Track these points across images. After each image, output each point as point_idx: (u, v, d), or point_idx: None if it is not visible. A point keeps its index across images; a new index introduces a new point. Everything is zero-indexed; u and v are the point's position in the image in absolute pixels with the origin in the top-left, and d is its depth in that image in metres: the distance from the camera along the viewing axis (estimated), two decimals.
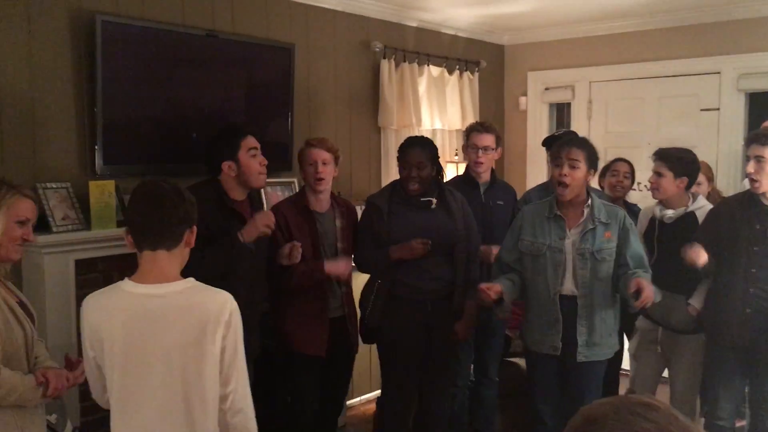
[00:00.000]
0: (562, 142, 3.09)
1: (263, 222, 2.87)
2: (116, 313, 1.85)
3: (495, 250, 3.40)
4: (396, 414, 3.43)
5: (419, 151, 3.28)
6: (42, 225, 2.97)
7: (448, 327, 3.33)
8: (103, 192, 3.12)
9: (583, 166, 2.97)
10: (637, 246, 3.05)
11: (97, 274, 3.16)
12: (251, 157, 2.93)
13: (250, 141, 2.96)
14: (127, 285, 1.89)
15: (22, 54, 3.01)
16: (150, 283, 1.87)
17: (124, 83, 3.27)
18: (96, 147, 3.19)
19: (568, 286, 2.99)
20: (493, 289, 2.94)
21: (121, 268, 3.16)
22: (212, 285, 1.94)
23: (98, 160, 3.20)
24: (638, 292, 2.78)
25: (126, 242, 1.94)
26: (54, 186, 3.05)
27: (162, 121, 3.45)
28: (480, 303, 3.09)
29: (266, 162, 2.99)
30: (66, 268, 3.02)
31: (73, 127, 3.19)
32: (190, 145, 3.49)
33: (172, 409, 1.85)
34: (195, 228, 1.94)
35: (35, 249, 2.92)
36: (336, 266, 3.17)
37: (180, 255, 1.92)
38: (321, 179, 3.21)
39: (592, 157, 3.02)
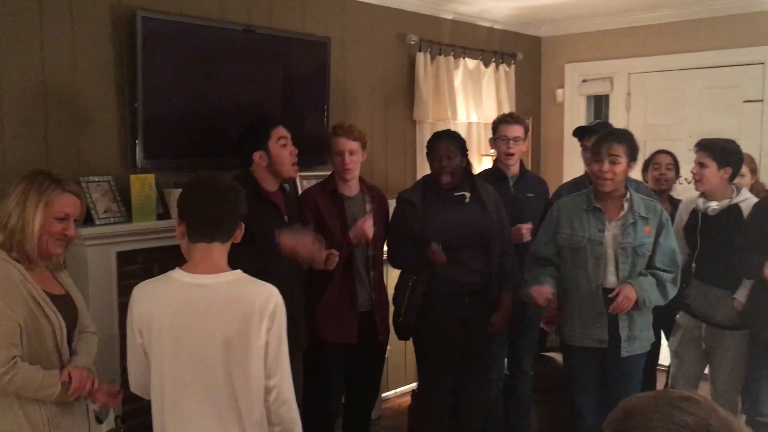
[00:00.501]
0: (602, 136, 3.04)
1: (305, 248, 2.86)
2: (167, 302, 1.89)
3: (525, 228, 3.40)
4: (433, 409, 3.43)
5: (447, 142, 3.29)
6: (85, 218, 3.03)
7: (484, 320, 3.32)
8: (143, 185, 3.18)
9: (623, 161, 2.94)
10: (670, 242, 3.02)
11: (137, 265, 3.22)
12: (281, 146, 2.96)
13: (280, 131, 2.98)
14: (177, 274, 1.93)
15: (65, 51, 3.07)
16: (200, 273, 1.91)
17: (163, 78, 3.32)
18: (137, 141, 3.24)
19: (611, 279, 2.97)
20: (544, 295, 2.95)
21: (161, 259, 3.22)
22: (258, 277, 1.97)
23: (139, 154, 3.26)
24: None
25: (177, 233, 1.97)
26: (96, 179, 3.12)
27: (200, 116, 3.49)
28: (528, 302, 3.09)
29: (296, 151, 3.01)
30: (108, 260, 3.08)
31: (114, 122, 3.25)
32: (227, 139, 3.53)
33: (217, 399, 1.88)
34: (243, 224, 1.99)
35: (79, 242, 2.98)
36: (354, 230, 3.13)
37: (228, 247, 1.97)
38: (348, 169, 3.23)
39: (632, 149, 2.98)
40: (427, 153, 3.37)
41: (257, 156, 2.94)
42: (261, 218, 2.73)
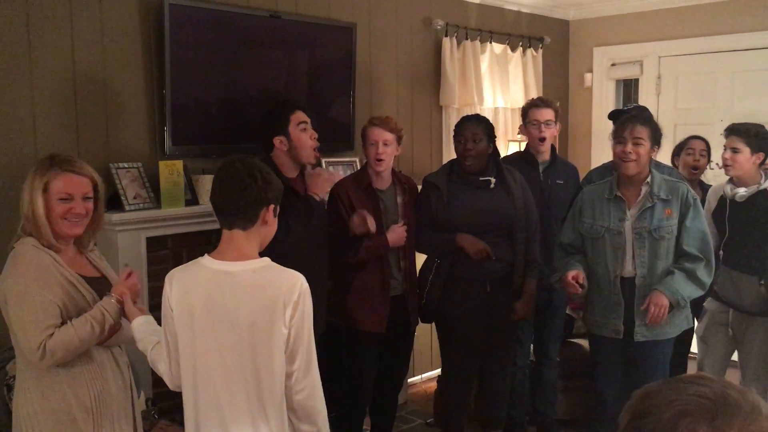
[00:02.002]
0: (625, 119, 3.02)
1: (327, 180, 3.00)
2: (196, 287, 1.93)
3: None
4: (456, 394, 3.44)
5: (475, 125, 3.29)
6: (115, 203, 3.08)
7: (507, 306, 3.32)
8: (172, 172, 3.21)
9: (646, 143, 2.91)
10: (699, 223, 2.94)
11: (167, 251, 3.26)
12: (301, 131, 2.98)
13: (300, 115, 3.00)
14: (206, 260, 1.96)
15: (95, 38, 3.11)
16: (227, 260, 1.93)
17: (191, 65, 3.34)
18: (165, 128, 3.28)
19: (629, 269, 2.94)
20: (578, 279, 2.92)
21: (190, 245, 3.26)
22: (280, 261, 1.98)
23: (167, 141, 3.29)
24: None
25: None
26: (126, 166, 3.16)
27: (227, 102, 3.52)
28: (570, 296, 3.07)
29: (316, 135, 3.02)
30: (138, 245, 3.13)
31: (143, 109, 3.29)
32: (254, 125, 3.55)
33: (242, 384, 1.91)
34: (272, 206, 1.98)
35: (109, 227, 3.03)
36: (392, 234, 3.19)
37: (258, 234, 1.97)
38: (381, 160, 3.22)
39: (656, 133, 2.95)
40: (454, 136, 3.36)
41: (278, 141, 2.97)
42: (284, 206, 2.74)
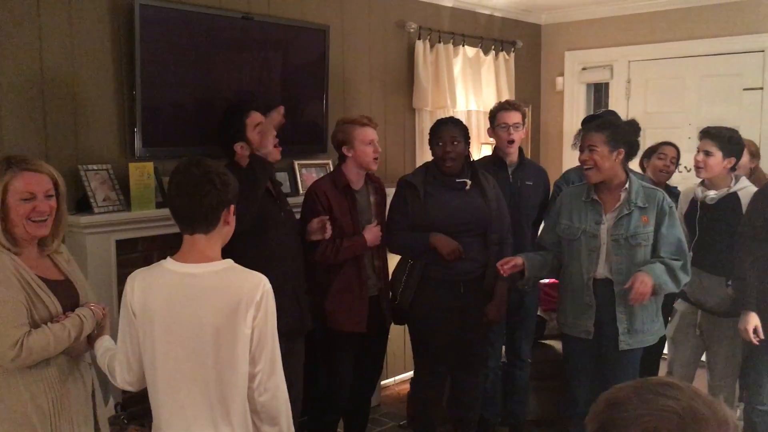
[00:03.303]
0: (583, 128, 3.11)
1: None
2: (158, 290, 1.92)
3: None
4: (428, 395, 3.45)
5: (452, 127, 3.33)
6: (84, 206, 3.04)
7: (480, 308, 3.34)
8: (142, 174, 3.17)
9: (602, 149, 2.93)
10: (674, 230, 2.98)
11: (137, 254, 3.23)
12: (259, 132, 2.96)
13: (256, 117, 2.98)
14: (168, 263, 1.95)
15: (63, 38, 3.06)
16: (189, 263, 1.92)
17: (162, 66, 3.31)
18: (135, 129, 3.24)
19: (602, 271, 2.97)
20: (508, 264, 3.01)
21: (161, 248, 3.23)
22: (247, 261, 1.98)
23: (137, 143, 3.25)
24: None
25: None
26: (95, 168, 3.12)
27: (199, 104, 3.49)
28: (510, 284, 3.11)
29: (275, 133, 3.00)
30: (107, 248, 3.09)
31: (113, 109, 3.24)
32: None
33: (206, 386, 1.90)
34: (233, 206, 1.98)
35: (77, 230, 2.99)
36: (369, 233, 3.23)
37: (219, 234, 1.97)
38: (377, 159, 3.29)
39: (615, 136, 2.95)
40: (430, 138, 3.38)
41: (238, 147, 2.96)
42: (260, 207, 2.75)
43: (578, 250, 3.00)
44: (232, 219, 2.00)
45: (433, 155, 3.37)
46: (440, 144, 3.28)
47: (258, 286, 1.90)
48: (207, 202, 1.90)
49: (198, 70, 3.46)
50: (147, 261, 3.16)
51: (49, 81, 3.03)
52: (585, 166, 2.97)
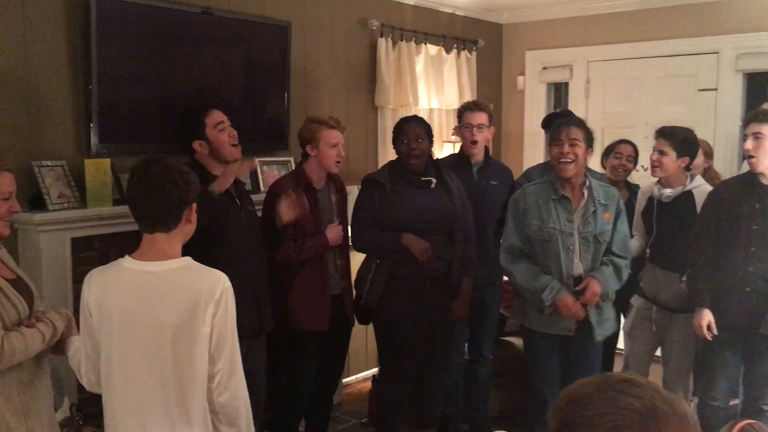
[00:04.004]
0: (560, 122, 3.10)
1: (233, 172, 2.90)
2: (116, 288, 1.89)
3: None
4: (394, 393, 3.45)
5: (416, 125, 3.34)
6: (38, 203, 2.97)
7: (445, 305, 3.35)
8: (98, 170, 3.12)
9: (582, 145, 2.98)
10: (625, 226, 3.12)
11: (93, 252, 3.17)
12: (220, 131, 2.93)
13: (216, 116, 2.94)
14: (126, 261, 1.93)
15: (17, 31, 2.99)
16: (148, 261, 1.90)
17: (119, 61, 3.25)
18: (91, 125, 3.18)
19: (577, 269, 3.01)
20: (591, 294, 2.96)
21: (118, 246, 3.17)
22: (207, 261, 1.96)
23: (94, 139, 3.19)
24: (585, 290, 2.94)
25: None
26: (50, 164, 3.05)
27: (158, 99, 3.44)
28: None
29: (235, 133, 2.98)
30: (62, 247, 3.02)
31: (68, 105, 3.17)
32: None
33: (164, 385, 1.88)
34: (194, 205, 1.96)
35: (31, 227, 2.92)
36: (331, 232, 3.23)
37: (180, 233, 1.95)
38: (340, 162, 3.29)
39: (589, 136, 3.04)
40: (394, 136, 3.38)
41: (197, 145, 2.92)
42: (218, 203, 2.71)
43: (556, 250, 3.00)
44: (194, 217, 1.97)
45: (397, 153, 3.37)
46: (405, 141, 3.29)
47: (217, 284, 1.88)
48: (169, 201, 1.88)
49: (157, 65, 3.40)
50: (103, 259, 3.10)
51: (1, 75, 2.95)
52: (564, 160, 2.96)
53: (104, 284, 1.91)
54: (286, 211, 3.09)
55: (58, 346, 2.22)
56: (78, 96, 3.19)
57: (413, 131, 3.29)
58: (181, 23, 3.49)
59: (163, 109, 3.44)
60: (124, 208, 3.12)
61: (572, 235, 2.99)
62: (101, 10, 3.12)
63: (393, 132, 3.41)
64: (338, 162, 3.28)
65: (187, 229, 1.97)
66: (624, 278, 3.09)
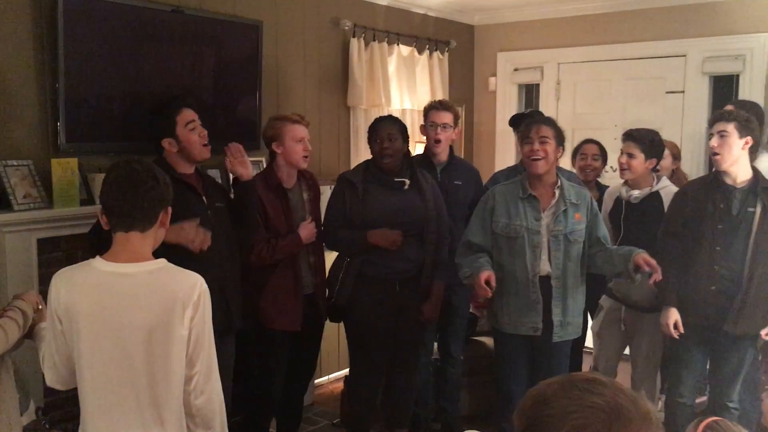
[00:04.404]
0: (531, 121, 3.13)
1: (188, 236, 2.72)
2: (86, 290, 1.86)
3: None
4: (364, 393, 3.46)
5: (389, 125, 3.34)
6: (3, 203, 2.91)
7: (415, 307, 3.36)
8: (65, 170, 3.07)
9: (552, 142, 3.01)
10: (603, 226, 3.16)
11: (60, 253, 3.11)
12: (190, 131, 2.90)
13: (187, 114, 2.91)
14: (98, 263, 1.89)
15: None
16: (121, 262, 1.87)
17: (87, 59, 3.20)
18: (58, 124, 3.13)
19: (545, 268, 3.02)
20: (491, 282, 2.89)
21: (85, 247, 3.11)
22: (172, 261, 1.94)
23: (61, 137, 3.14)
24: (639, 269, 2.87)
25: (102, 222, 1.93)
26: (15, 163, 2.99)
27: (128, 98, 3.39)
28: (475, 297, 3.10)
29: (206, 132, 2.95)
30: (28, 247, 2.97)
31: (35, 103, 3.12)
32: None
33: (137, 389, 1.85)
34: (170, 209, 1.94)
35: None
36: (304, 230, 3.22)
37: (153, 235, 1.93)
38: (307, 156, 3.27)
39: (559, 135, 3.07)
40: (369, 136, 3.38)
41: (166, 143, 2.88)
42: (183, 203, 2.66)
43: (522, 247, 3.02)
44: (168, 222, 1.96)
45: (372, 153, 3.37)
46: (377, 141, 3.29)
47: (195, 286, 1.87)
48: (150, 197, 1.86)
49: (126, 63, 3.36)
50: (70, 260, 3.05)
51: None
52: (534, 157, 2.99)
53: (72, 286, 1.88)
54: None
55: (29, 333, 2.16)
56: (45, 94, 3.14)
57: (386, 130, 3.29)
58: (151, 21, 3.45)
59: (132, 108, 3.39)
60: (92, 209, 3.12)
61: (539, 233, 3.01)
62: (68, 7, 3.07)
63: (368, 131, 3.41)
64: (306, 156, 3.26)
65: (159, 233, 1.95)
66: None
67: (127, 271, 1.86)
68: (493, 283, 2.91)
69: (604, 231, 3.14)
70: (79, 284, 1.88)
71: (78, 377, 1.90)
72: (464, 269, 3.06)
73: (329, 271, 3.44)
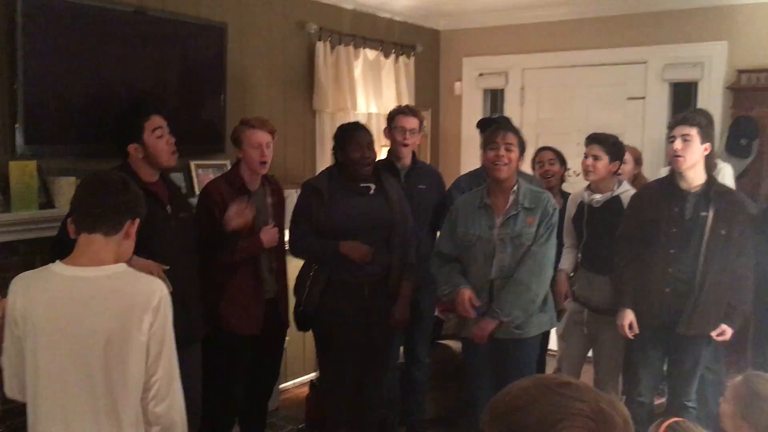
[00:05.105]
0: (497, 127, 3.16)
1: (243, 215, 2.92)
2: (44, 295, 1.84)
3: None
4: (334, 398, 3.42)
5: (366, 133, 3.33)
6: None
7: (384, 310, 3.35)
8: (24, 173, 3.01)
9: (516, 150, 3.05)
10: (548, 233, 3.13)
11: (17, 257, 3.06)
12: (157, 137, 2.86)
13: (155, 120, 2.87)
14: (57, 267, 1.88)
15: None
16: (81, 266, 1.85)
17: (47, 60, 3.15)
18: (16, 126, 3.07)
19: (498, 273, 3.05)
20: (473, 300, 3.00)
21: (44, 251, 3.06)
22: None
23: (19, 140, 3.08)
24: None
25: (69, 230, 1.92)
26: None
27: (89, 100, 3.34)
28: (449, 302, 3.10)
29: (174, 140, 2.92)
30: None
31: None
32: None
33: (94, 395, 1.83)
34: (137, 221, 1.93)
35: None
36: (266, 234, 3.19)
37: (117, 243, 1.91)
38: (265, 162, 3.22)
39: (522, 142, 3.12)
40: (343, 143, 3.30)
41: (132, 149, 2.83)
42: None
43: (474, 255, 3.07)
44: (133, 236, 1.95)
45: (345, 160, 3.28)
46: (357, 149, 3.25)
47: (154, 292, 1.85)
48: (118, 201, 1.88)
49: (87, 65, 3.31)
50: (28, 265, 2.98)
51: None
52: (498, 163, 3.02)
53: (31, 291, 1.85)
54: (234, 217, 3.05)
55: None
56: (2, 96, 3.07)
57: (366, 139, 3.28)
58: (113, 22, 3.40)
59: (93, 110, 3.34)
60: (51, 212, 3.07)
61: (491, 241, 3.05)
62: (28, 6, 3.02)
63: (339, 138, 3.34)
64: (263, 163, 3.21)
65: (124, 245, 1.93)
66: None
67: (85, 275, 1.84)
68: (476, 302, 3.00)
69: (539, 235, 3.11)
70: (37, 289, 1.85)
71: (31, 383, 1.87)
72: (443, 286, 3.11)
73: (296, 279, 3.41)
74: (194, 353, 2.99)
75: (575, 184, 4.24)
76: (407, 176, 3.72)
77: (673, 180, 3.17)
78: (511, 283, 3.02)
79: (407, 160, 3.74)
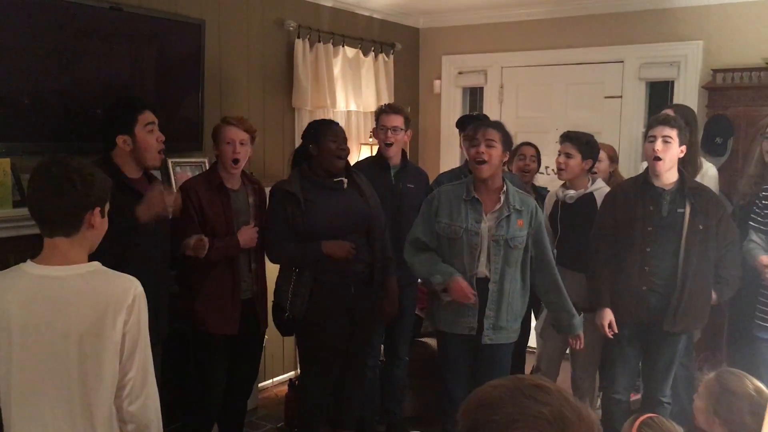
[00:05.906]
0: (478, 124, 3.16)
1: (159, 203, 2.76)
2: (14, 294, 1.81)
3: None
4: (316, 398, 3.38)
5: (339, 127, 3.32)
6: None
7: (368, 307, 3.34)
8: None
9: (498, 146, 3.02)
10: (546, 242, 3.15)
11: None
12: (148, 132, 2.85)
13: (148, 115, 2.87)
14: (28, 266, 1.85)
15: None
16: (52, 265, 1.82)
17: (20, 56, 3.10)
18: None
19: (482, 270, 3.03)
20: (467, 290, 2.98)
21: (18, 250, 3.02)
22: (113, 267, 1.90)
23: None
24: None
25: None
26: None
27: (63, 97, 3.30)
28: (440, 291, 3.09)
29: (163, 138, 2.90)
30: None
31: None
32: (94, 121, 3.35)
33: (68, 394, 1.81)
34: (98, 209, 1.87)
35: None
36: (243, 234, 3.16)
37: (84, 238, 1.87)
38: (237, 160, 3.18)
39: (506, 138, 3.07)
40: (321, 134, 3.26)
41: (121, 140, 2.81)
42: (123, 207, 2.59)
43: (460, 248, 3.03)
44: (101, 222, 1.89)
45: (321, 152, 3.24)
46: (335, 141, 3.23)
47: (129, 290, 1.83)
48: (65, 204, 1.81)
49: (62, 61, 3.27)
50: (2, 265, 2.91)
51: None
52: (479, 160, 2.99)
53: (2, 290, 1.82)
54: (190, 248, 2.99)
55: None
56: None
57: (341, 134, 3.28)
58: (88, 18, 3.36)
59: (69, 106, 3.30)
60: (26, 211, 3.00)
61: (478, 235, 3.02)
62: (0, 1, 2.97)
63: (314, 130, 3.30)
64: (235, 161, 3.18)
65: (91, 234, 1.88)
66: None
67: (57, 275, 1.81)
68: (472, 289, 2.99)
69: (544, 246, 3.12)
70: (8, 289, 1.82)
71: (4, 383, 1.84)
72: (435, 275, 3.04)
73: (276, 283, 3.35)
74: (157, 353, 2.95)
75: (553, 182, 4.28)
76: (397, 175, 3.74)
77: (647, 178, 3.19)
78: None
79: (396, 159, 3.75)
